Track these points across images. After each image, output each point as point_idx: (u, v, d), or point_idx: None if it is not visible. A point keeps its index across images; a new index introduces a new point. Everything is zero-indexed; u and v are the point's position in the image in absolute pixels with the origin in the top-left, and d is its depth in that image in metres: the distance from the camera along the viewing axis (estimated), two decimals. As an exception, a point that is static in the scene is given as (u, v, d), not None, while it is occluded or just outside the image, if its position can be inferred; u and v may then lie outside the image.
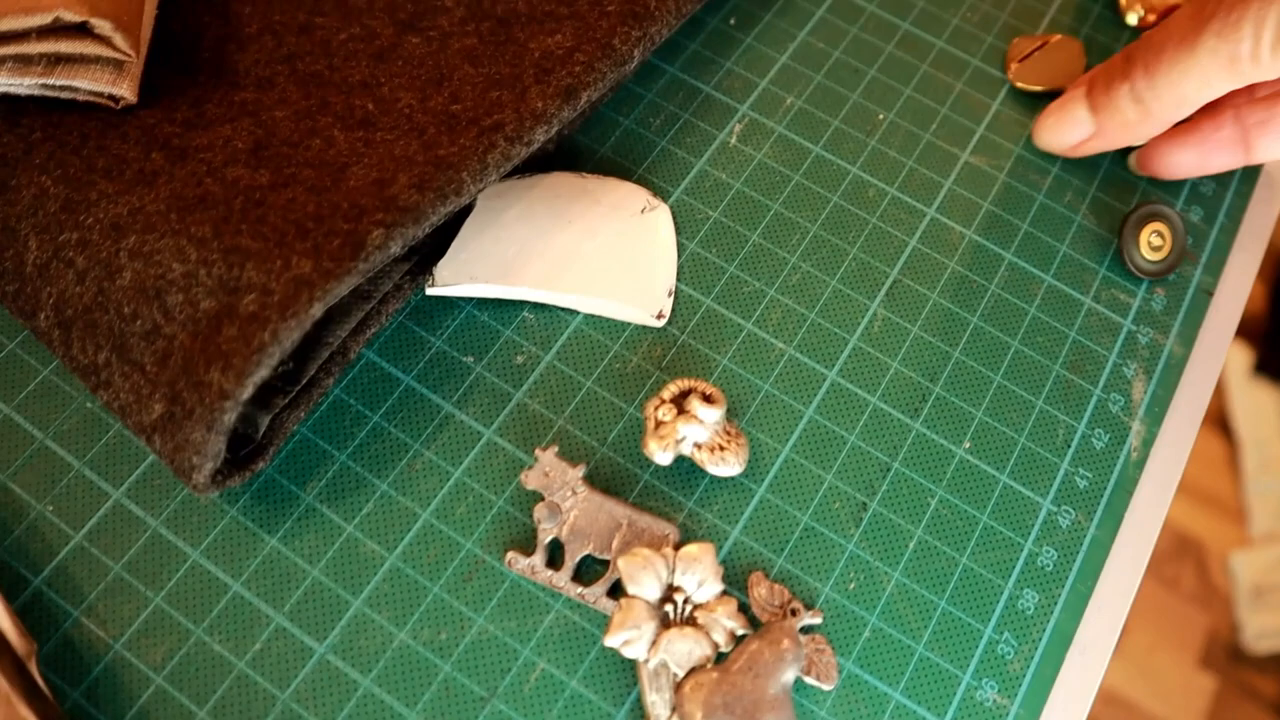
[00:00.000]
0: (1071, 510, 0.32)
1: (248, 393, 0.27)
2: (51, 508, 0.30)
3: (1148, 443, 0.34)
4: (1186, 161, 0.36)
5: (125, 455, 0.31)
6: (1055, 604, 0.31)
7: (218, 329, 0.27)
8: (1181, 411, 0.35)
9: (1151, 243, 0.35)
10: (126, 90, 0.31)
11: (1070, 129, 0.35)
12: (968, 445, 0.33)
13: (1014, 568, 0.31)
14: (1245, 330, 1.30)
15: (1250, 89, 0.35)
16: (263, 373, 0.27)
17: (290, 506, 0.30)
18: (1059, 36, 0.39)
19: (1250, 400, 1.27)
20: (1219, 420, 1.29)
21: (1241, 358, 1.29)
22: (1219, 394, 1.30)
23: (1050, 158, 0.38)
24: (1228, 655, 1.16)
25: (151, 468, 0.30)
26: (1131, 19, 0.40)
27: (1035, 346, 0.34)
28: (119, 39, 0.30)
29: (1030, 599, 0.31)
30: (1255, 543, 1.21)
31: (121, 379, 0.28)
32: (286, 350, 0.27)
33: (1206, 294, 0.36)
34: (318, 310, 0.27)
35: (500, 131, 0.31)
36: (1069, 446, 0.33)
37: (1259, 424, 1.25)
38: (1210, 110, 0.35)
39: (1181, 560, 1.21)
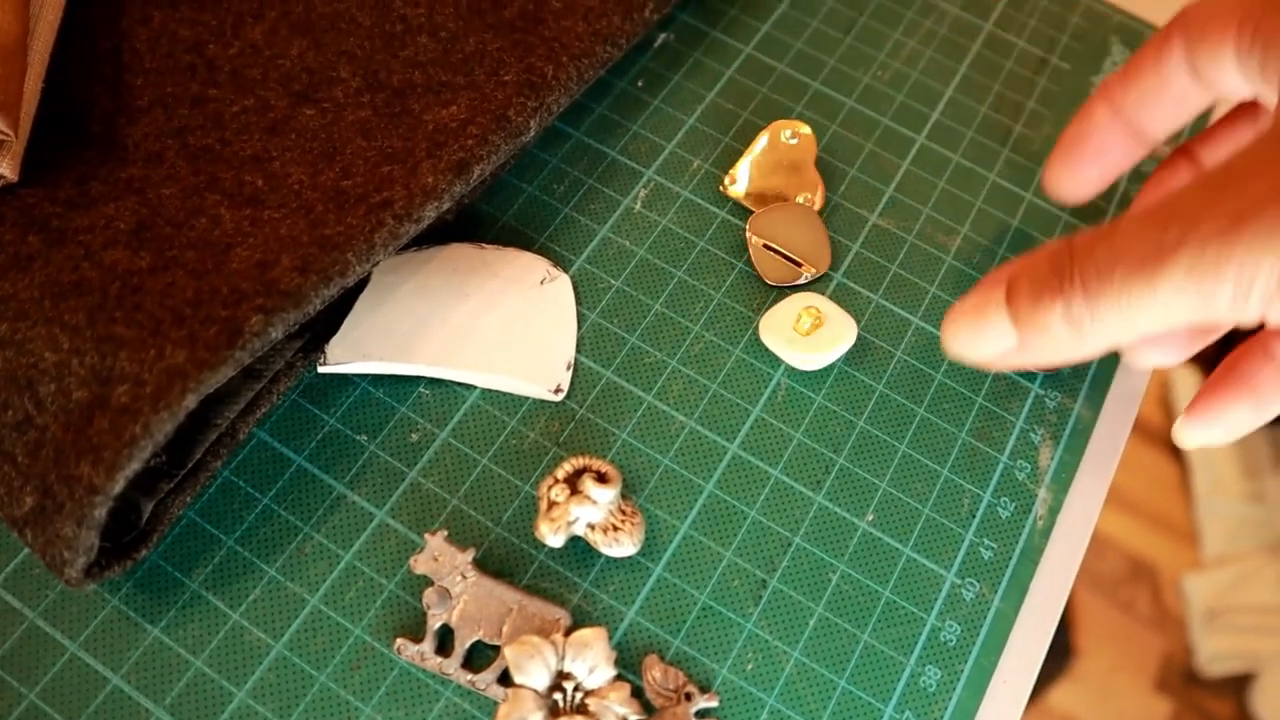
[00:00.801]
0: (976, 582, 0.32)
1: (118, 487, 0.26)
2: (-74, 600, 0.29)
3: (1054, 510, 0.34)
4: (1245, 421, 0.30)
5: (1, 546, 0.30)
6: (958, 680, 0.31)
7: (89, 420, 0.27)
8: (1088, 477, 0.34)
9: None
10: (7, 169, 0.30)
11: (987, 340, 0.28)
12: (871, 518, 0.32)
13: (916, 643, 0.31)
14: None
15: None
16: (134, 466, 0.26)
17: (175, 594, 0.30)
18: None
19: (1201, 423, 1.28)
20: (1169, 442, 1.29)
21: (1191, 380, 1.30)
22: (1170, 417, 1.31)
23: (959, 209, 0.38)
24: (1182, 678, 1.17)
25: (29, 558, 0.30)
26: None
27: (941, 413, 0.34)
28: (-4, 118, 0.29)
29: (933, 676, 0.31)
30: (1207, 565, 1.22)
31: (-7, 470, 0.28)
32: (159, 443, 0.26)
33: (1114, 355, 0.36)
34: (191, 402, 0.27)
35: (389, 209, 0.30)
36: (974, 516, 0.33)
37: (1210, 446, 1.26)
38: (1244, 352, 0.30)
39: (1136, 584, 1.22)
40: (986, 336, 0.28)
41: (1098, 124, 0.33)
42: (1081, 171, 0.34)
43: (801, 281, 0.36)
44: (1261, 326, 0.27)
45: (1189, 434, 0.31)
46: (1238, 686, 1.16)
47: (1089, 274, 0.25)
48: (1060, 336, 0.26)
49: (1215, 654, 1.15)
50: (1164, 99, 0.31)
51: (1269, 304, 0.22)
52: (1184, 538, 1.24)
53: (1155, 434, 1.29)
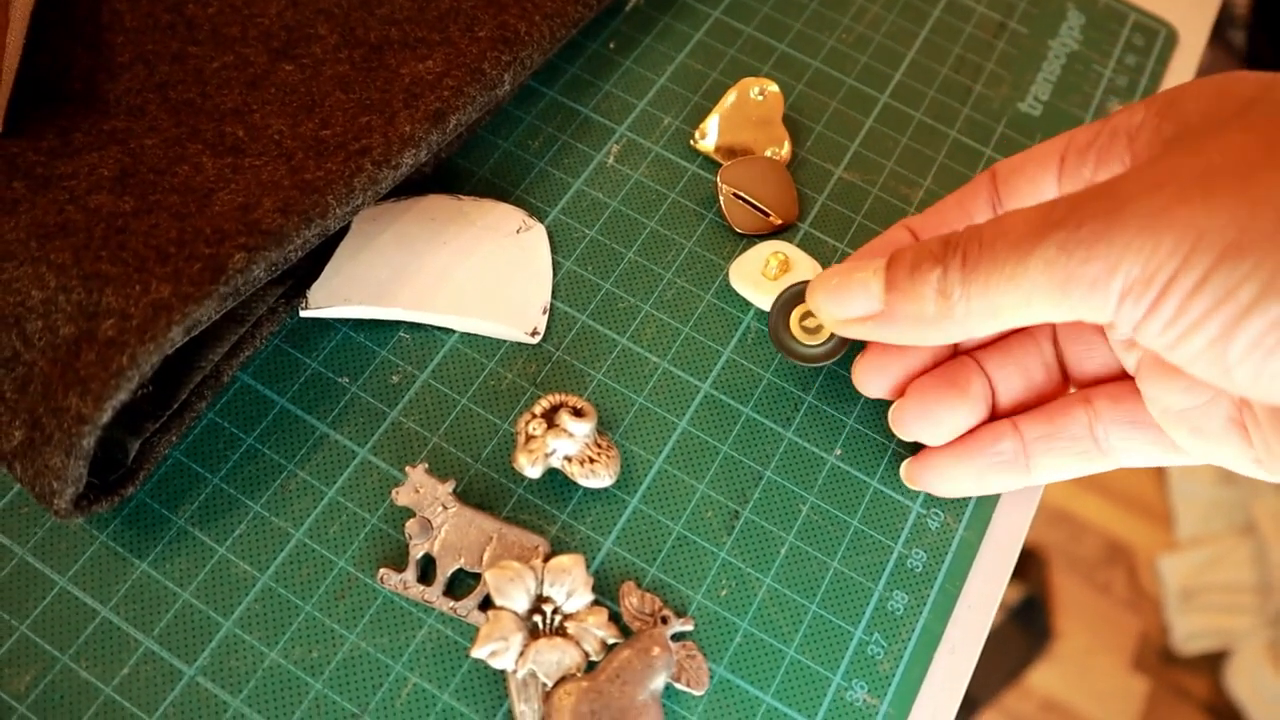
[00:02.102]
0: (941, 512, 0.33)
1: (106, 417, 0.27)
2: (-84, 540, 0.30)
3: (1015, 445, 0.35)
4: (963, 480, 0.32)
5: (-8, 484, 0.30)
6: (924, 605, 0.32)
7: (77, 354, 0.27)
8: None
9: (804, 323, 0.32)
10: (-10, 120, 0.31)
11: (853, 301, 0.28)
12: (839, 452, 0.34)
13: (884, 570, 0.32)
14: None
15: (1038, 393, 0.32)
16: (121, 396, 0.27)
17: (161, 530, 0.30)
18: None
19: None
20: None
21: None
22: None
23: (922, 164, 0.39)
24: (1159, 657, 1.18)
25: (18, 496, 0.30)
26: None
27: (905, 354, 0.35)
28: (-19, 70, 0.30)
29: (900, 600, 0.32)
30: (1182, 546, 1.23)
31: (-19, 407, 0.28)
32: (146, 374, 0.27)
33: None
34: (177, 334, 0.27)
35: (367, 156, 0.31)
36: (938, 450, 0.34)
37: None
38: (990, 424, 0.32)
39: (1113, 565, 1.24)
40: (853, 294, 0.28)
41: (896, 242, 0.32)
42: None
43: (768, 232, 0.37)
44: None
45: (909, 474, 0.33)
46: (1212, 664, 1.17)
47: (971, 247, 0.26)
48: (928, 305, 0.27)
49: (1190, 633, 1.17)
50: (1040, 183, 0.31)
51: (1129, 291, 0.23)
52: (1159, 520, 1.26)
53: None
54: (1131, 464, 0.31)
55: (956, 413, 0.31)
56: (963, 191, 0.32)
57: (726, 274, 0.36)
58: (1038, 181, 0.30)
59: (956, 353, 0.33)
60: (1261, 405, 0.27)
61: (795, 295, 0.32)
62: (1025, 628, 1.18)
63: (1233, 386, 0.24)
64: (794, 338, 0.32)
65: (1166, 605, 1.20)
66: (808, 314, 0.32)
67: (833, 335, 0.32)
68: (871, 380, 0.32)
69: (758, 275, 0.35)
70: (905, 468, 0.33)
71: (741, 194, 0.36)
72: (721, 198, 0.37)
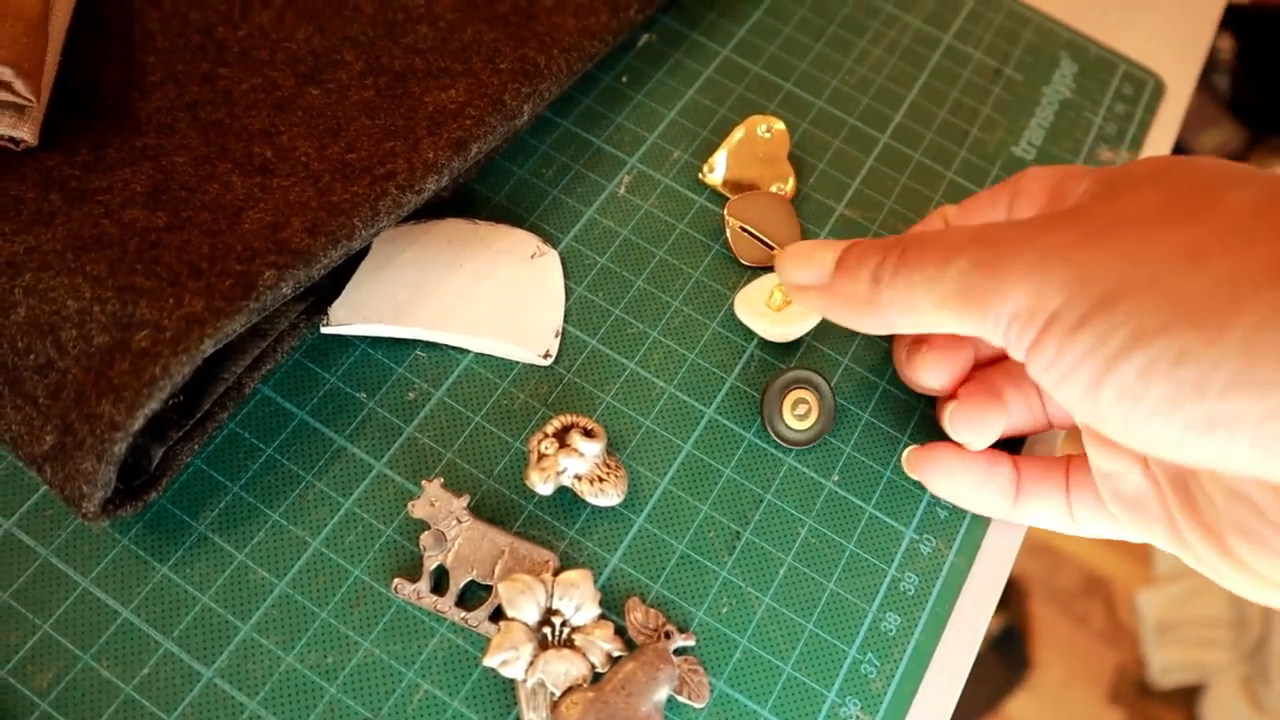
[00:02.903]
0: (933, 538, 0.34)
1: (138, 424, 0.28)
2: (-58, 539, 0.30)
3: (1005, 475, 0.36)
4: (959, 483, 0.34)
5: (17, 486, 0.31)
6: (916, 626, 0.33)
7: (110, 363, 0.28)
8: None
9: (796, 411, 0.34)
10: (26, 134, 0.32)
11: (807, 270, 0.31)
12: (836, 478, 0.35)
13: (878, 592, 0.33)
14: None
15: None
16: (153, 405, 0.28)
17: (182, 535, 0.31)
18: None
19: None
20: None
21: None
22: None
23: (919, 203, 0.41)
24: (1136, 690, 1.20)
25: (43, 498, 0.31)
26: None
27: (901, 387, 0.37)
28: (20, 84, 0.31)
29: (893, 621, 0.33)
30: (1160, 580, 1.25)
31: (14, 411, 0.29)
32: (177, 384, 0.28)
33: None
34: (209, 346, 0.28)
35: (392, 180, 0.33)
36: (931, 478, 0.35)
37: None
38: (995, 450, 0.34)
39: (1091, 598, 1.25)
40: (808, 265, 0.31)
41: (927, 227, 0.35)
42: None
43: (772, 265, 0.38)
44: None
45: (910, 461, 0.35)
46: (1188, 697, 1.19)
47: (911, 249, 0.28)
48: (860, 288, 0.29)
49: (1167, 666, 1.18)
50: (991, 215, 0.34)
51: (1016, 319, 0.25)
52: (1137, 554, 1.28)
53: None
54: (1094, 534, 0.33)
55: (999, 419, 0.33)
56: (994, 192, 0.34)
57: (731, 304, 0.37)
58: (1028, 212, 0.32)
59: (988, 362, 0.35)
60: (1159, 466, 0.29)
61: (790, 382, 0.35)
62: (1003, 657, 1.19)
63: (1108, 433, 0.25)
64: (784, 422, 0.34)
65: (1144, 638, 1.22)
66: (799, 401, 0.34)
67: (816, 423, 0.34)
68: (933, 372, 0.33)
69: (761, 306, 0.36)
70: (909, 455, 0.35)
71: (748, 227, 0.38)
72: (728, 230, 0.38)
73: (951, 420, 0.34)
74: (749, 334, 0.37)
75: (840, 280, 0.30)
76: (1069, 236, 0.25)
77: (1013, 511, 0.34)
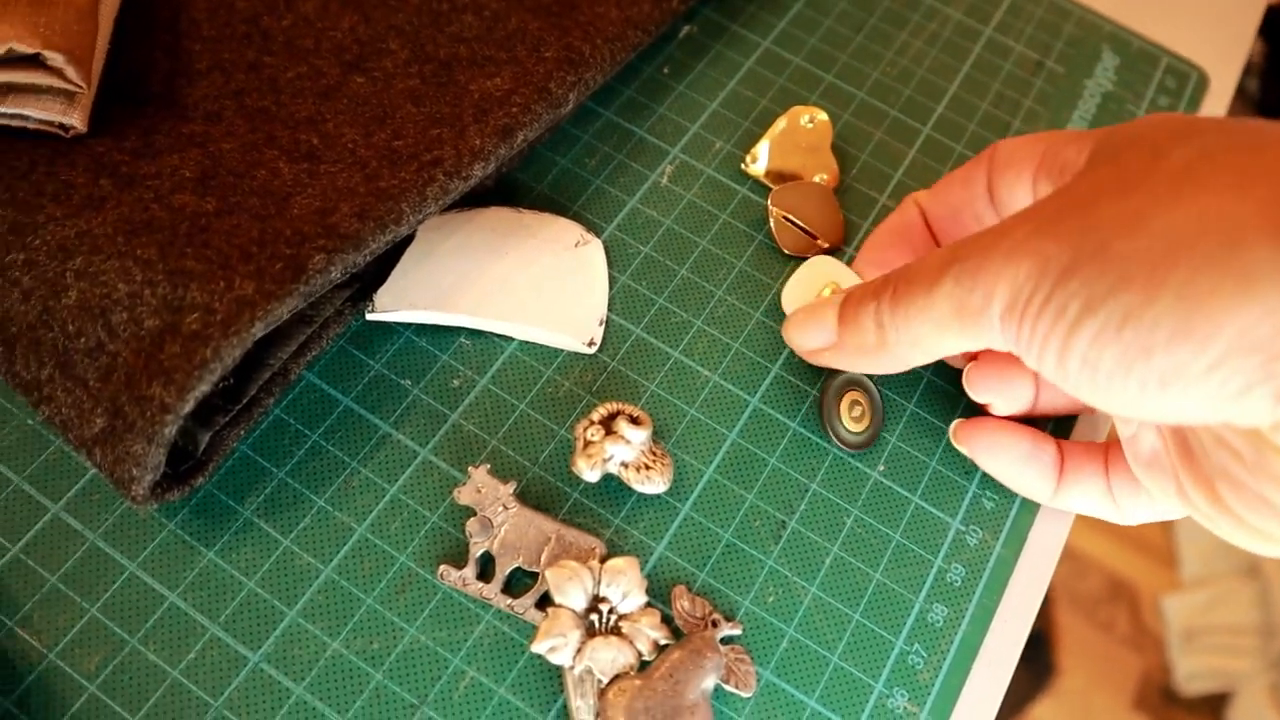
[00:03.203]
0: (979, 529, 0.34)
1: (189, 407, 0.28)
2: (-10, 522, 0.31)
3: (1051, 467, 0.36)
4: (1004, 457, 0.34)
5: (65, 470, 0.31)
6: (963, 617, 0.33)
7: (160, 346, 0.28)
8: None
9: (853, 413, 0.35)
10: (77, 120, 0.32)
11: (814, 333, 0.32)
12: (882, 468, 0.35)
13: (925, 583, 0.33)
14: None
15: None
16: (204, 388, 0.28)
17: (228, 521, 0.31)
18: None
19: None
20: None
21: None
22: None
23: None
24: (1160, 697, 1.19)
25: (91, 482, 0.31)
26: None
27: (947, 377, 0.36)
28: (71, 71, 0.31)
29: (939, 613, 0.33)
30: (1186, 586, 1.24)
31: (64, 394, 0.29)
32: (228, 367, 0.28)
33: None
34: (259, 329, 0.28)
35: (440, 166, 0.33)
36: (977, 469, 0.35)
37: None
38: (1042, 432, 0.34)
39: (1115, 603, 1.24)
40: (814, 329, 0.32)
41: (907, 222, 0.36)
42: (891, 262, 0.35)
43: (816, 255, 0.38)
44: None
45: (957, 433, 0.35)
46: (1214, 706, 1.18)
47: (900, 284, 0.29)
48: (868, 337, 0.30)
49: (1193, 673, 1.17)
50: (964, 217, 0.34)
51: (1005, 315, 0.26)
52: (1163, 559, 1.27)
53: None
54: (1138, 519, 0.33)
55: (1022, 383, 0.33)
56: (968, 171, 0.34)
57: (776, 293, 0.37)
58: (1015, 189, 0.32)
59: None
60: (1165, 429, 0.29)
61: (844, 384, 0.35)
62: (1026, 663, 1.19)
63: (1086, 400, 0.26)
64: (841, 423, 0.34)
65: (1169, 645, 1.20)
66: (854, 403, 0.35)
67: (870, 424, 0.35)
68: (985, 390, 0.34)
69: (810, 299, 0.36)
70: (956, 427, 0.35)
71: (791, 217, 0.38)
72: (772, 220, 0.38)
73: (969, 380, 0.34)
74: (792, 324, 0.37)
75: (847, 335, 0.31)
76: (1029, 228, 0.26)
77: (1055, 496, 0.34)
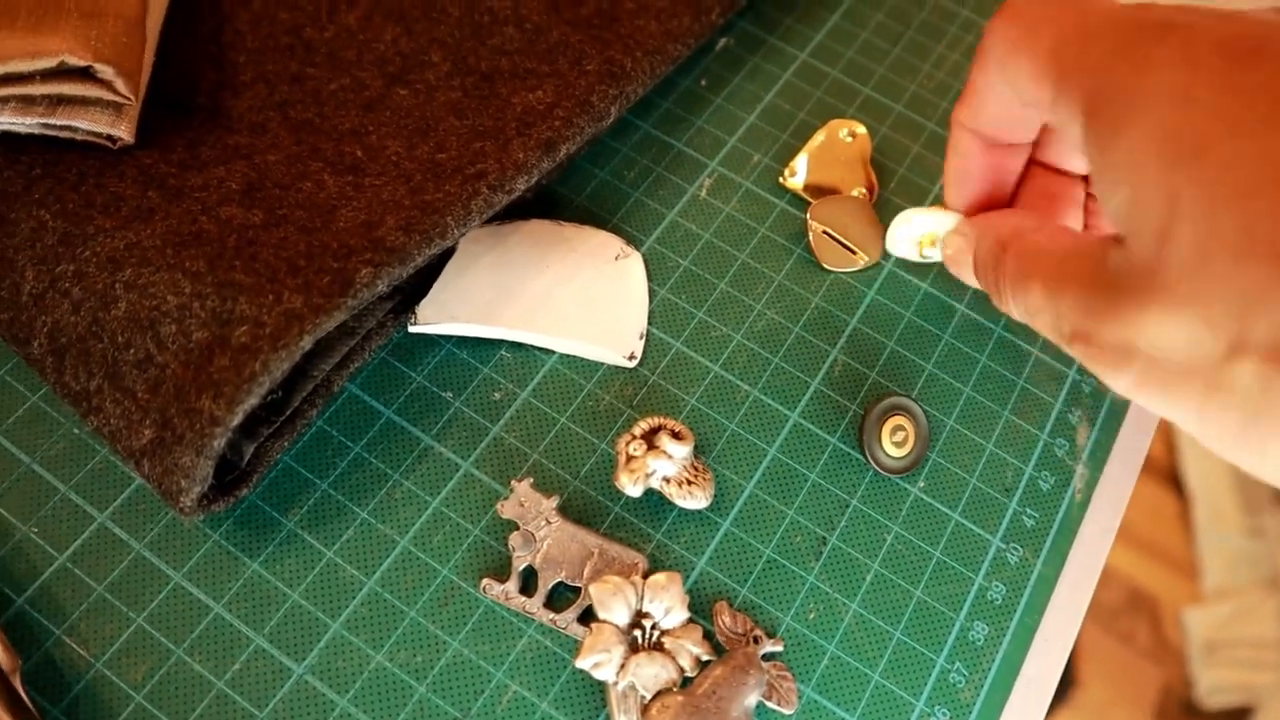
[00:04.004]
0: (1020, 548, 0.34)
1: (237, 419, 0.28)
2: (36, 530, 0.31)
3: (1090, 485, 0.36)
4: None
5: (111, 480, 0.32)
6: (1004, 636, 0.32)
7: (209, 359, 0.29)
8: (1122, 456, 0.36)
9: (894, 438, 0.34)
10: (124, 131, 0.32)
11: (964, 262, 0.32)
12: (922, 485, 0.34)
13: (965, 601, 0.33)
14: (1195, 391, 1.33)
15: None
16: (253, 401, 0.28)
17: (272, 532, 0.31)
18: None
19: (1201, 456, 1.30)
20: (1171, 475, 1.32)
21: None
22: (1170, 449, 1.33)
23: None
24: (1181, 710, 1.18)
25: (137, 492, 0.31)
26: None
27: (986, 393, 0.36)
28: (120, 83, 0.31)
29: (981, 631, 0.32)
30: (1208, 598, 1.23)
31: (113, 405, 0.29)
32: (276, 380, 0.28)
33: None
34: (307, 343, 0.29)
35: (484, 180, 0.33)
36: (1017, 488, 0.35)
37: (1210, 479, 1.29)
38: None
39: (1135, 615, 1.23)
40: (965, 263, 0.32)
41: (969, 153, 0.33)
42: (985, 196, 0.34)
43: (855, 269, 0.38)
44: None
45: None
46: None
47: (1017, 283, 0.28)
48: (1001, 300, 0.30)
49: (1214, 686, 1.17)
50: (1008, 118, 0.31)
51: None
52: (1184, 570, 1.26)
53: (1157, 467, 1.32)
54: None
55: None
56: (979, 77, 0.30)
57: (816, 307, 0.37)
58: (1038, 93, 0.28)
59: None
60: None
61: (887, 409, 0.34)
62: (1047, 674, 1.18)
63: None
64: (884, 450, 0.34)
65: (1190, 658, 1.20)
66: (898, 428, 0.34)
67: (913, 450, 0.34)
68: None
69: (913, 250, 0.35)
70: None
71: (830, 231, 0.38)
72: (811, 234, 0.38)
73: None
74: (833, 339, 0.36)
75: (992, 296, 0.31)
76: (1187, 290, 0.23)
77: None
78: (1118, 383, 0.25)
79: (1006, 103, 0.30)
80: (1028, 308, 0.28)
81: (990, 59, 0.29)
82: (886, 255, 0.39)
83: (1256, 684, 1.17)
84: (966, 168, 0.33)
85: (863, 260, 0.38)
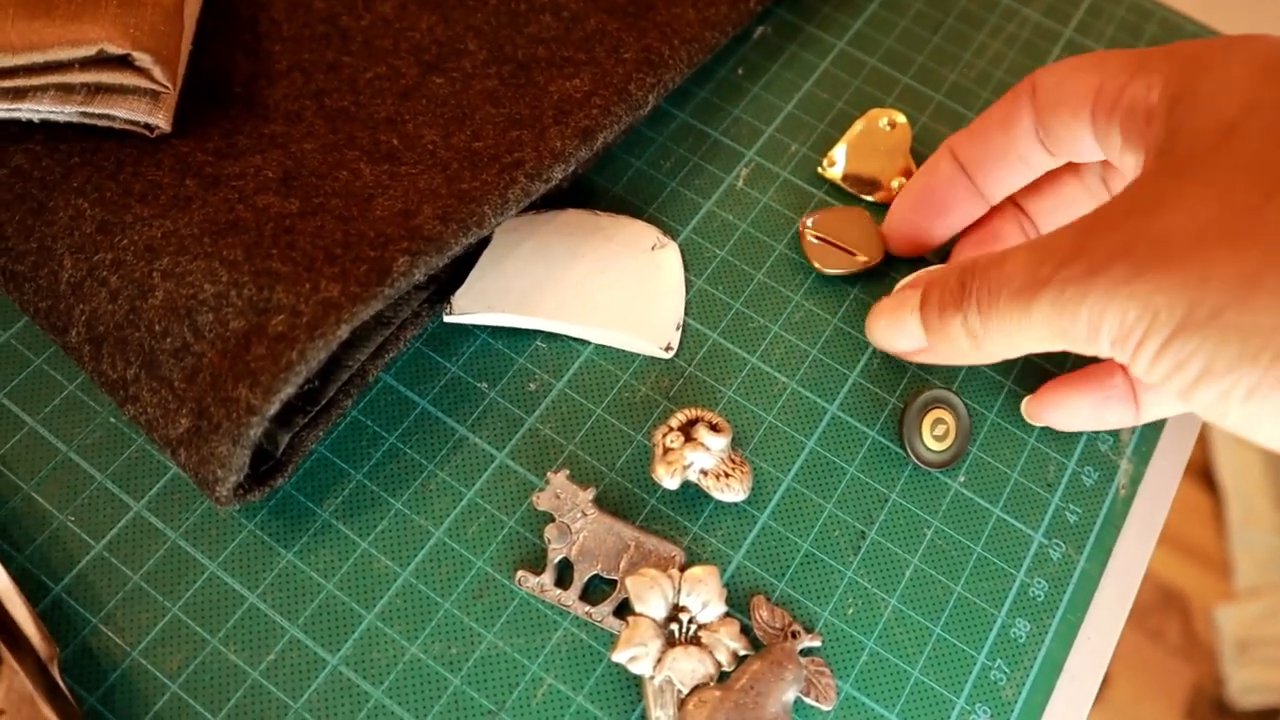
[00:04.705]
0: (1062, 543, 0.33)
1: (274, 409, 0.28)
2: (73, 518, 0.31)
3: (1135, 480, 0.35)
4: (1081, 411, 0.34)
5: (147, 469, 0.32)
6: (1046, 633, 0.32)
7: (246, 348, 0.28)
8: (1167, 451, 0.36)
9: (935, 432, 0.34)
10: (162, 120, 0.32)
11: (901, 338, 0.32)
12: (962, 479, 0.34)
13: (1007, 597, 0.32)
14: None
15: None
16: (289, 390, 0.28)
17: (307, 522, 0.31)
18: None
19: (1234, 454, 1.29)
20: (1204, 473, 1.30)
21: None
22: (1204, 447, 1.31)
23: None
24: (1212, 709, 1.16)
25: (172, 481, 0.31)
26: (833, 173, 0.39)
27: (1028, 386, 0.36)
28: (158, 71, 0.31)
29: (1022, 628, 0.32)
30: (1240, 596, 1.22)
31: (150, 394, 0.29)
32: (313, 369, 0.28)
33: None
34: (344, 332, 0.28)
35: (521, 168, 0.32)
36: (1060, 482, 0.34)
37: (1243, 477, 1.27)
38: (1103, 363, 0.34)
39: (1166, 613, 1.22)
40: (902, 336, 0.32)
41: (943, 178, 0.34)
42: (926, 223, 0.36)
43: (855, 271, 0.37)
44: None
45: (1030, 410, 0.35)
46: None
47: (983, 294, 0.28)
48: (961, 343, 0.30)
49: (1247, 685, 1.15)
50: (1008, 161, 0.33)
51: (1114, 345, 0.26)
52: (1216, 568, 1.24)
53: (1190, 464, 1.30)
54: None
55: (1090, 400, 0.34)
56: (1005, 111, 0.32)
57: (850, 299, 0.36)
58: (1073, 129, 0.31)
59: None
60: None
61: (928, 402, 0.34)
62: (1076, 671, 1.17)
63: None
64: (924, 444, 0.34)
65: (1222, 656, 1.18)
66: (938, 421, 0.34)
67: (954, 444, 0.34)
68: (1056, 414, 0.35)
69: None
70: (1026, 405, 0.35)
71: (825, 236, 0.37)
72: (804, 243, 0.37)
73: (1031, 414, 0.35)
74: (870, 331, 0.36)
75: (939, 343, 0.31)
76: (1128, 267, 0.25)
77: (1140, 416, 0.33)
78: (1090, 348, 0.27)
79: (1020, 144, 0.32)
80: (1005, 333, 0.28)
81: (1027, 99, 0.32)
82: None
83: (1290, 684, 1.15)
84: (931, 189, 0.35)
85: (863, 259, 0.37)
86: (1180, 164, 0.26)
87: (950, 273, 0.30)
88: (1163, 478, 0.35)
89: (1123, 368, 0.33)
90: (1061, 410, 0.34)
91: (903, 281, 0.34)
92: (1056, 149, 0.32)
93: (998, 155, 0.33)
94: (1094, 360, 0.35)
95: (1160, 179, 0.27)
